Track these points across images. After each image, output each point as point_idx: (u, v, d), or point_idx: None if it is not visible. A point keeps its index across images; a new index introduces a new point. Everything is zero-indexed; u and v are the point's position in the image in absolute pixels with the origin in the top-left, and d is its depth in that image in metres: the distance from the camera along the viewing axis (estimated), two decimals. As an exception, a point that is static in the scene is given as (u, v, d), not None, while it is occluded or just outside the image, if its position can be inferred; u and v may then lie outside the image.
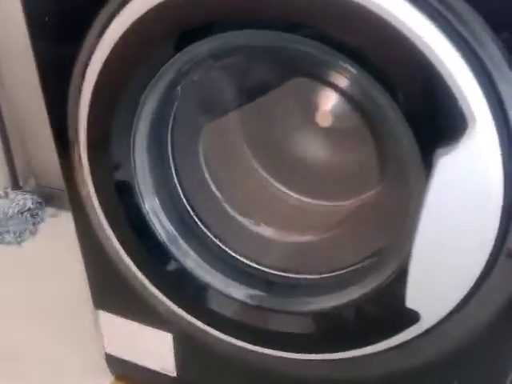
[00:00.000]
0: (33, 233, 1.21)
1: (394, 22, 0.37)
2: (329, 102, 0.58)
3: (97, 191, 0.54)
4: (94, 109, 0.49)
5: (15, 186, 1.30)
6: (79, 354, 0.84)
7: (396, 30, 0.37)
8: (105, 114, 0.49)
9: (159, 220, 0.55)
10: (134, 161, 0.52)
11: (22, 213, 1.23)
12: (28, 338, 0.89)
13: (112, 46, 0.46)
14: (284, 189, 0.65)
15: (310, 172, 0.64)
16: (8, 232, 1.19)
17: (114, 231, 0.56)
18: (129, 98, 0.48)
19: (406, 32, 0.37)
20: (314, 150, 0.65)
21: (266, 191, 0.66)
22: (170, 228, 0.56)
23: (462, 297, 0.43)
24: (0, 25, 1.12)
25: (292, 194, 0.65)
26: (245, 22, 0.41)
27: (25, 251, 1.16)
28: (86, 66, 0.48)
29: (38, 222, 1.25)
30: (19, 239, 1.19)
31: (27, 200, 1.25)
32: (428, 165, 0.39)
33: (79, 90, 0.49)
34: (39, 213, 1.26)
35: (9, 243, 1.18)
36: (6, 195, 1.26)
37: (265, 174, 0.65)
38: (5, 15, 1.06)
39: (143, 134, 0.52)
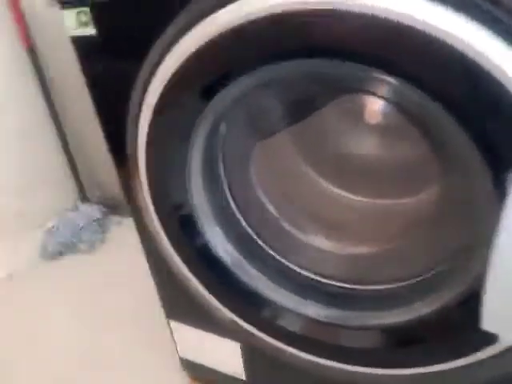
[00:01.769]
0: (102, 241, 1.30)
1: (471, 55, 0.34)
2: (378, 107, 0.56)
3: (158, 217, 0.55)
4: (151, 139, 0.50)
5: (83, 198, 1.39)
6: (156, 357, 0.89)
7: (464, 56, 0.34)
8: (162, 139, 0.50)
9: (222, 245, 0.57)
10: (192, 195, 0.53)
11: (91, 223, 1.31)
12: (102, 347, 0.94)
13: (165, 81, 0.47)
14: (345, 193, 0.65)
15: (370, 174, 0.63)
16: (81, 242, 1.28)
17: (180, 256, 0.58)
18: (181, 130, 0.49)
19: (470, 53, 0.34)
20: (370, 151, 0.63)
21: (324, 202, 0.65)
22: (234, 252, 0.58)
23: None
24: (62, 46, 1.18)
25: (353, 197, 0.64)
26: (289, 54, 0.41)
27: (97, 259, 1.24)
28: (143, 94, 0.49)
29: (106, 231, 1.33)
30: (92, 248, 1.27)
31: (95, 211, 1.33)
32: (500, 183, 0.37)
33: (137, 122, 0.50)
34: (106, 222, 1.34)
35: (82, 252, 1.27)
36: (76, 208, 1.35)
37: (324, 183, 0.65)
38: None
39: (197, 167, 0.53)
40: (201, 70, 0.45)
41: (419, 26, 0.35)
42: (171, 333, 0.77)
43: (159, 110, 0.48)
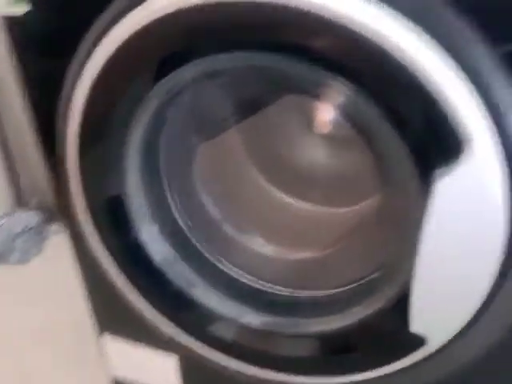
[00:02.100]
0: (38, 251, 1.22)
1: (380, 40, 0.36)
2: (325, 113, 0.57)
3: (91, 217, 0.53)
4: (83, 135, 0.48)
5: (20, 204, 1.31)
6: (85, 378, 0.83)
7: (385, 50, 0.35)
8: (94, 140, 0.48)
9: (157, 244, 0.55)
10: (128, 187, 0.51)
11: (27, 231, 1.23)
12: (33, 363, 0.89)
13: (97, 70, 0.45)
14: (288, 198, 0.64)
15: (314, 180, 0.64)
16: (14, 251, 1.19)
17: (110, 256, 0.55)
18: (117, 123, 0.47)
19: (395, 48, 0.35)
20: (315, 158, 0.64)
21: (268, 205, 0.65)
22: (168, 252, 0.56)
23: (468, 320, 0.42)
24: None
25: (296, 202, 0.65)
26: (228, 45, 0.40)
27: (31, 270, 1.16)
28: (72, 90, 0.47)
29: (44, 240, 1.25)
30: (25, 257, 1.19)
31: (32, 217, 1.25)
32: (426, 185, 0.38)
33: (66, 118, 0.48)
34: (44, 230, 1.26)
35: (15, 262, 1.18)
36: (11, 214, 1.26)
37: (268, 186, 0.65)
38: None
39: (135, 160, 0.51)
40: (128, 63, 0.43)
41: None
42: (103, 349, 0.73)
43: (91, 104, 0.46)
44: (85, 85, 0.46)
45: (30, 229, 1.23)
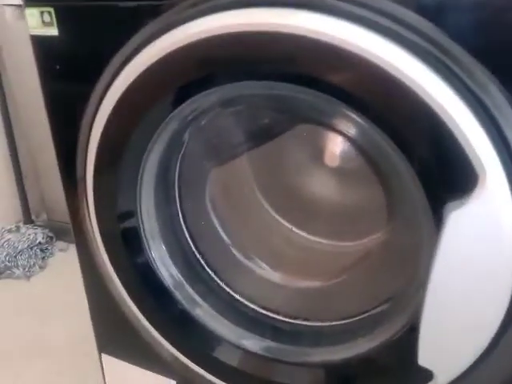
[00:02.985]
0: (42, 267, 1.21)
1: (397, 75, 0.37)
2: (336, 144, 0.58)
3: (102, 236, 0.53)
4: (101, 156, 0.49)
5: (27, 220, 1.31)
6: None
7: (400, 82, 0.37)
8: (111, 161, 0.49)
9: (165, 266, 0.55)
10: (140, 208, 0.52)
11: (31, 247, 1.23)
12: (32, 376, 0.87)
13: (119, 95, 0.47)
14: (295, 229, 0.64)
15: (321, 212, 0.64)
16: (17, 266, 1.19)
17: (118, 275, 0.55)
18: (135, 146, 0.48)
19: (410, 84, 0.37)
20: (324, 190, 0.64)
21: (275, 234, 0.65)
22: (177, 274, 0.55)
23: (477, 356, 0.41)
24: (15, 69, 1.16)
25: (302, 233, 0.64)
26: (243, 75, 0.42)
27: (33, 286, 1.15)
28: (96, 111, 0.49)
29: (48, 257, 1.25)
30: (28, 274, 1.19)
31: (38, 234, 1.26)
32: (438, 218, 0.38)
33: (88, 140, 0.50)
34: (49, 247, 1.26)
35: (18, 278, 1.18)
36: (18, 229, 1.27)
37: (275, 216, 0.65)
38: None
39: (150, 182, 0.52)
40: (150, 88, 0.45)
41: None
42: (102, 369, 0.71)
43: (107, 135, 0.48)
44: (106, 108, 0.48)
45: (35, 245, 1.24)
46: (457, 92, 0.37)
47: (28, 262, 1.20)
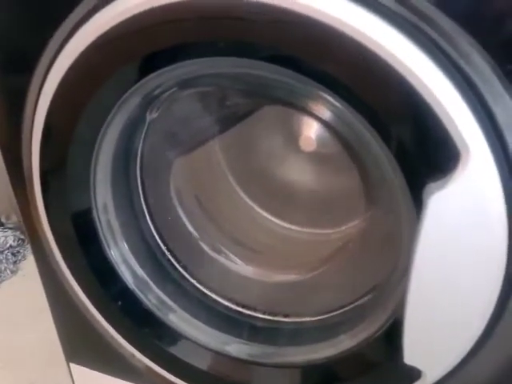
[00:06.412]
0: (14, 271, 1.16)
1: (366, 42, 0.33)
2: (309, 127, 0.54)
3: (56, 237, 0.49)
4: (46, 147, 0.44)
5: (-4, 223, 1.26)
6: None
7: (371, 51, 0.33)
8: (58, 148, 0.44)
9: (128, 266, 0.50)
10: (96, 204, 0.47)
11: (2, 251, 1.18)
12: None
13: (65, 70, 0.41)
14: (267, 215, 0.61)
15: (298, 199, 0.61)
16: (-13, 271, 1.14)
17: (76, 279, 0.51)
18: (86, 129, 0.43)
19: (381, 53, 0.33)
20: (300, 176, 0.61)
21: (249, 223, 0.61)
22: (142, 274, 0.51)
23: (468, 349, 0.38)
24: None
25: (278, 221, 0.61)
26: (214, 49, 0.37)
27: (3, 292, 1.10)
28: (39, 94, 0.44)
29: (20, 260, 1.20)
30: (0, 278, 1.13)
31: (8, 237, 1.21)
32: (419, 202, 0.34)
33: (31, 131, 0.44)
34: (21, 250, 1.21)
35: (-14, 283, 1.13)
36: (-14, 233, 1.21)
37: (250, 203, 0.61)
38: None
39: (106, 175, 0.47)
40: (108, 57, 0.40)
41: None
42: (72, 380, 0.67)
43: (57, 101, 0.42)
44: (48, 91, 0.43)
45: (6, 249, 1.19)
46: (434, 60, 0.33)
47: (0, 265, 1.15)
